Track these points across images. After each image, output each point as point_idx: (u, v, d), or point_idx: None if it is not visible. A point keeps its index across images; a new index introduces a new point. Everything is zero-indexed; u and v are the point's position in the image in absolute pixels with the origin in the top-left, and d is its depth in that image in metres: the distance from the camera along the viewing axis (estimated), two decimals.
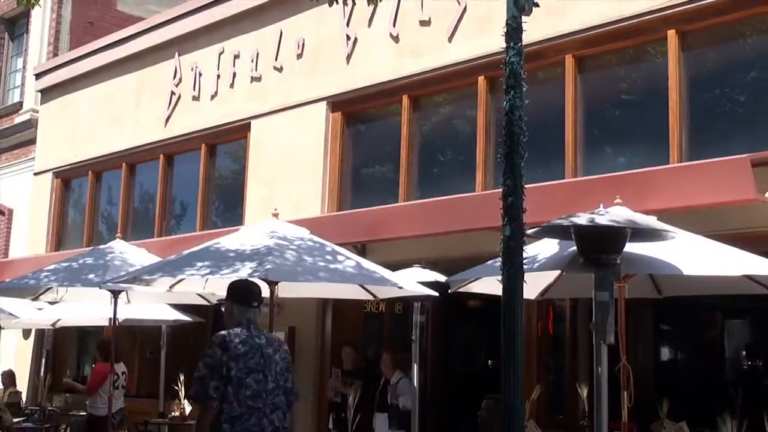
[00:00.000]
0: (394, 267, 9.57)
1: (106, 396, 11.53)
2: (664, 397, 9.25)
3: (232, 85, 13.95)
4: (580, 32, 9.97)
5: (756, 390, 9.24)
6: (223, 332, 5.95)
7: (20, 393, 15.36)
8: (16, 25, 20.68)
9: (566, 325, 10.53)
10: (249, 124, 13.57)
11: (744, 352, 11.34)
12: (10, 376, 15.32)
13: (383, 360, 10.78)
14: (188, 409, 12.58)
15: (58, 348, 16.72)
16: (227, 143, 14.29)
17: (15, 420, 12.01)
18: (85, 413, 12.42)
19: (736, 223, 8.21)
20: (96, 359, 12.49)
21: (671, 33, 9.32)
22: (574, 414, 9.99)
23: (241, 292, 6.28)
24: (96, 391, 11.83)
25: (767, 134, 8.68)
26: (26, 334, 17.20)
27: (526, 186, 5.40)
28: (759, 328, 11.17)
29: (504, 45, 5.53)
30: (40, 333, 16.80)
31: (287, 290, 9.51)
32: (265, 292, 8.90)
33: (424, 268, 9.98)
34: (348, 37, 12.29)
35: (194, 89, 14.56)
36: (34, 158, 18.23)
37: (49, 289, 11.12)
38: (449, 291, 8.95)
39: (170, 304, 12.21)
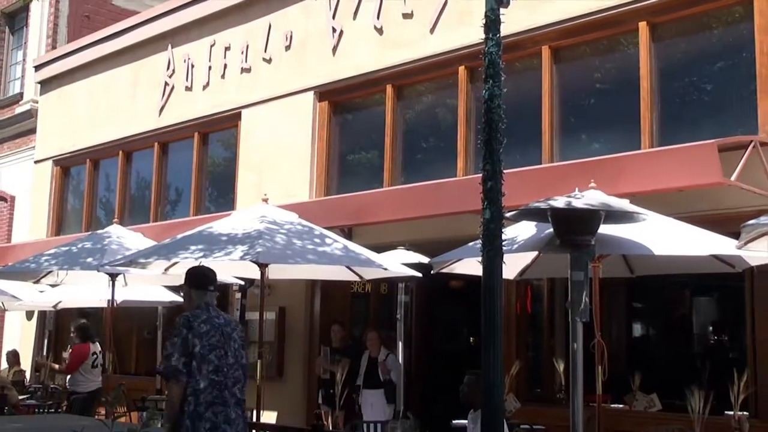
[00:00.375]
0: (379, 249, 9.56)
1: (86, 374, 11.92)
2: (636, 371, 9.30)
3: (223, 76, 13.86)
4: (555, 24, 9.94)
5: (721, 363, 9.27)
6: (186, 313, 6.13)
7: (24, 372, 15.32)
8: (15, 19, 20.52)
9: (543, 304, 10.55)
10: (240, 113, 13.50)
11: (711, 328, 11.40)
12: (14, 356, 15.28)
13: (370, 338, 10.76)
14: None
15: (59, 329, 16.64)
16: (219, 132, 14.22)
17: (20, 397, 12.01)
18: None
19: (703, 206, 8.21)
20: (73, 341, 12.65)
21: (642, 25, 9.30)
22: (552, 388, 10.02)
23: (198, 278, 6.42)
24: (76, 369, 12.03)
25: (733, 121, 8.70)
26: (29, 315, 17.13)
27: (504, 171, 5.36)
28: (725, 305, 11.21)
29: (483, 36, 5.49)
30: (42, 314, 16.75)
31: (277, 272, 9.49)
32: (256, 274, 8.92)
33: (407, 250, 9.98)
34: (334, 30, 12.22)
35: (187, 80, 14.47)
36: (34, 147, 18.10)
37: (50, 272, 11.08)
38: (432, 272, 8.95)
39: (166, 286, 12.16)
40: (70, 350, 12.64)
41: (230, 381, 6.05)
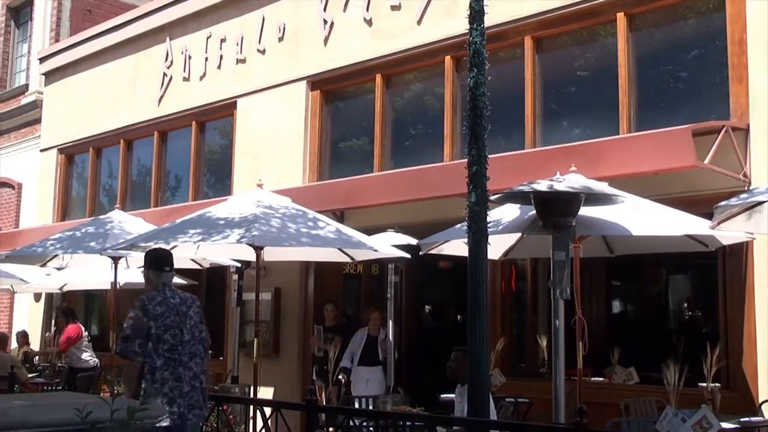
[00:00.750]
0: (369, 231, 9.53)
1: (87, 350, 12.65)
2: (615, 346, 9.30)
3: (219, 67, 13.76)
4: (537, 15, 9.88)
5: (695, 338, 9.28)
6: (143, 297, 6.32)
7: (33, 351, 15.28)
8: (20, 14, 20.36)
9: (527, 283, 10.54)
10: (235, 102, 13.41)
11: (685, 304, 11.41)
12: (24, 336, 15.26)
13: (373, 318, 10.64)
14: None
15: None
16: (216, 120, 14.12)
17: (29, 375, 11.98)
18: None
19: (678, 188, 8.20)
20: (59, 323, 13.30)
21: (620, 15, 9.26)
22: (535, 362, 10.02)
23: (154, 259, 6.63)
24: (69, 347, 12.66)
25: (706, 107, 8.69)
26: (37, 297, 17.07)
27: (489, 156, 5.35)
28: (698, 282, 11.22)
29: (468, 27, 5.46)
30: (50, 296, 16.68)
31: (272, 254, 9.46)
32: (252, 256, 8.88)
33: (397, 232, 9.95)
34: (325, 22, 12.14)
35: (184, 71, 14.37)
36: (40, 136, 17.99)
37: (56, 256, 11.03)
38: (420, 253, 8.92)
39: None
40: (63, 331, 12.97)
41: (186, 357, 6.25)
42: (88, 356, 12.86)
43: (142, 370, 6.09)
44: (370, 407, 9.34)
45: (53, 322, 14.27)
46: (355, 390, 10.33)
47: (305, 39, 12.45)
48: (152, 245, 9.02)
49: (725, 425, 6.63)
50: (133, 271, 11.73)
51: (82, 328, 12.98)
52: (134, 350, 6.11)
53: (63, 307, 13.54)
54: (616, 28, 9.31)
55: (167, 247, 9.37)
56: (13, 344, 15.47)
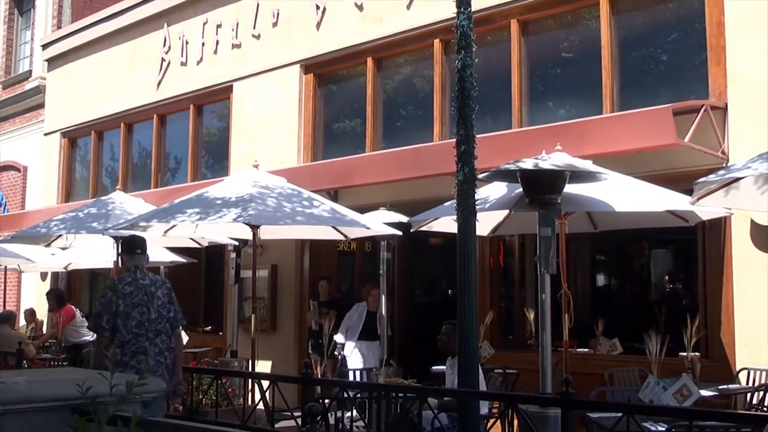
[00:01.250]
0: (362, 210, 9.48)
1: (80, 328, 12.60)
2: (600, 318, 9.29)
3: (215, 52, 13.65)
4: None
5: (676, 309, 9.28)
6: (115, 278, 6.82)
7: (42, 322, 15.28)
8: (23, 1, 20.19)
9: (514, 258, 10.53)
10: (231, 86, 13.32)
11: (666, 278, 11.40)
12: (31, 314, 15.24)
13: (373, 294, 10.44)
14: (185, 338, 12.49)
15: (71, 288, 16.53)
16: (213, 104, 14.03)
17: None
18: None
19: (659, 165, 8.17)
20: (52, 306, 13.31)
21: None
22: (523, 335, 10.02)
23: (127, 244, 6.93)
24: (63, 327, 12.74)
25: (686, 87, 8.66)
26: (43, 276, 17.03)
27: (477, 136, 5.30)
28: (679, 256, 11.21)
29: (456, 11, 5.39)
30: (55, 275, 16.64)
31: (269, 233, 9.42)
32: (249, 235, 8.85)
33: (389, 210, 9.88)
34: (318, 7, 12.03)
35: (182, 56, 14.25)
36: (43, 120, 17.88)
37: (60, 236, 10.96)
38: (411, 230, 8.89)
39: (166, 247, 12.05)
40: (59, 313, 12.99)
41: (152, 334, 6.50)
42: (85, 331, 12.81)
43: (111, 344, 6.46)
44: (365, 380, 9.32)
45: (49, 312, 14.32)
46: (354, 362, 10.26)
47: (298, 24, 12.35)
48: (153, 225, 9.01)
49: (705, 393, 6.64)
50: None
51: (74, 308, 13.07)
52: (102, 326, 6.44)
53: (54, 291, 13.65)
54: (599, 11, 9.25)
55: (167, 227, 9.40)
56: (22, 321, 15.45)
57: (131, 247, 6.79)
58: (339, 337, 10.39)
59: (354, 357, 10.40)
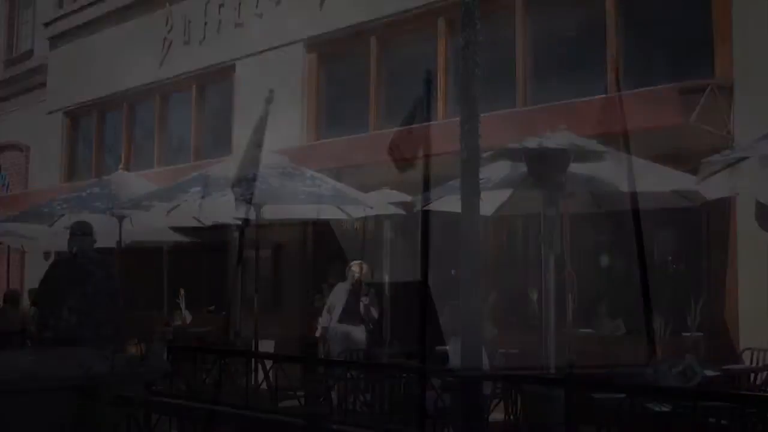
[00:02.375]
0: (366, 189, 9.46)
1: None
2: (604, 298, 9.28)
3: (218, 31, 13.60)
4: None
5: (681, 290, 9.25)
6: (56, 258, 7.36)
7: None
8: None
9: (518, 238, 10.51)
10: (234, 65, 13.29)
11: (671, 258, 11.35)
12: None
13: (353, 270, 10.12)
14: (188, 318, 12.53)
15: None
16: (215, 83, 13.99)
17: None
18: None
19: (665, 145, 8.11)
20: None
21: None
22: (525, 315, 10.00)
23: (72, 228, 7.43)
24: None
25: (692, 66, 8.61)
26: (47, 256, 16.99)
27: (481, 115, 5.27)
28: (684, 236, 11.16)
29: None
30: (58, 255, 16.62)
31: (272, 212, 9.40)
32: (253, 214, 8.83)
33: (392, 189, 9.86)
34: None
35: (185, 35, 14.19)
36: (46, 99, 17.83)
37: (63, 215, 10.95)
38: (415, 210, 8.86)
39: (170, 227, 12.04)
40: None
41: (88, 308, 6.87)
42: None
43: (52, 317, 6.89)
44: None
45: None
46: (333, 349, 9.50)
47: (301, 3, 12.28)
48: (155, 204, 9.01)
49: (709, 373, 6.64)
50: (138, 230, 11.67)
51: None
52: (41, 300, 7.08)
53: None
54: None
55: (170, 206, 9.39)
56: (25, 301, 15.48)
57: (74, 232, 7.28)
58: (324, 320, 9.82)
59: (333, 341, 9.67)
